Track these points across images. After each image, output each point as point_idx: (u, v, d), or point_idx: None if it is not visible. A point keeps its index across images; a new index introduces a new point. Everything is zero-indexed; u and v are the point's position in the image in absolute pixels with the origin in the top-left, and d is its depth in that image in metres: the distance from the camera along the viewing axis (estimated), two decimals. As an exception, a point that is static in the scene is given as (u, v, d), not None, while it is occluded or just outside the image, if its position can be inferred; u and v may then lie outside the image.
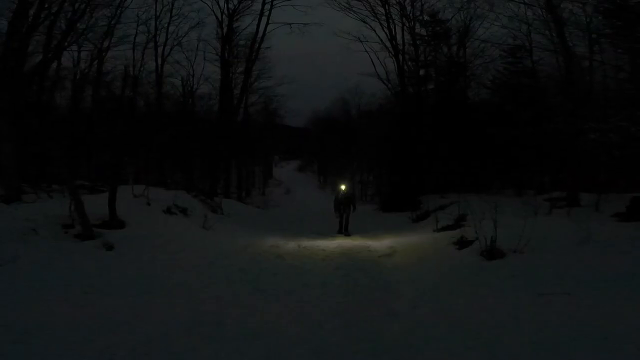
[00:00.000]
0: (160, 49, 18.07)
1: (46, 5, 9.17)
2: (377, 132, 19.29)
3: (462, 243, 7.03)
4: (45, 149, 6.19)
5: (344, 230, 10.04)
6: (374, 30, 16.77)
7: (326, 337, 3.30)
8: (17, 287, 4.08)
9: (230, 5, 17.65)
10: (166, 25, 17.99)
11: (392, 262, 6.64)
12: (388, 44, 16.53)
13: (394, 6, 16.28)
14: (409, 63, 16.57)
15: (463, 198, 9.23)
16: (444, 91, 16.01)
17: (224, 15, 17.61)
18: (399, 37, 16.38)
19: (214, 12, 17.74)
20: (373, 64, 18.04)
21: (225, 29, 17.67)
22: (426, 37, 16.20)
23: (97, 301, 4.00)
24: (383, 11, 16.27)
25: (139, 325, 3.44)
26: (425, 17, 16.24)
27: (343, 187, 10.55)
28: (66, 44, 13.21)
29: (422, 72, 16.43)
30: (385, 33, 16.53)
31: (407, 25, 16.35)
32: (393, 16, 16.32)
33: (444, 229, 8.68)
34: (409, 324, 3.59)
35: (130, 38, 17.30)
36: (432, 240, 7.96)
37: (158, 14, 17.71)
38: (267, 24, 17.49)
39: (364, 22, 16.87)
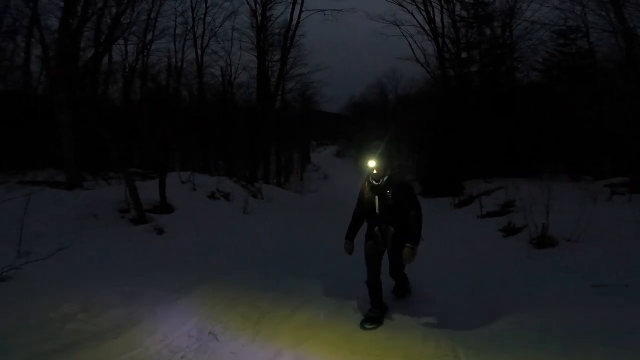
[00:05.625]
0: (198, 40, 18.57)
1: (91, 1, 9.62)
2: (417, 115, 18.81)
3: (509, 230, 6.79)
4: (101, 139, 6.58)
5: (392, 289, 3.86)
6: (411, 14, 16.43)
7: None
8: (80, 269, 4.41)
9: (263, -6, 17.63)
10: (202, 16, 18.41)
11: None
12: (426, 27, 16.16)
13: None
14: (450, 46, 16.03)
15: (511, 183, 8.79)
16: (488, 74, 15.27)
17: (257, 5, 17.67)
18: (437, 19, 15.98)
19: (247, 1, 17.81)
20: (411, 47, 18.04)
21: (259, 18, 17.74)
22: (468, 19, 15.50)
23: (149, 283, 4.22)
24: (421, -7, 15.76)
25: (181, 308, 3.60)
26: (467, -1, 15.48)
27: (372, 163, 3.43)
28: (113, 38, 13.96)
29: (464, 54, 15.85)
30: (423, 16, 16.16)
31: (447, 7, 15.81)
32: (431, -2, 15.76)
33: (488, 215, 8.37)
34: (446, 313, 3.45)
35: (170, 30, 17.94)
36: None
37: (194, 5, 18.15)
38: (301, 11, 17.36)
39: (400, 5, 16.49)
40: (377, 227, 3.44)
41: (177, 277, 4.35)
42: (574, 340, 2.71)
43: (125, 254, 5.20)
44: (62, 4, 9.26)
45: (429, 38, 16.20)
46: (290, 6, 17.23)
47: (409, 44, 17.76)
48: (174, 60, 18.29)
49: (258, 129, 16.91)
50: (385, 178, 3.41)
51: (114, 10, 13.18)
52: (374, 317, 3.32)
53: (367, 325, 3.25)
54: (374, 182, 3.46)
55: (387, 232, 3.40)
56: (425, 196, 13.97)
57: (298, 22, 17.59)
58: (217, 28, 18.92)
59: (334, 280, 4.20)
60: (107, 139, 6.45)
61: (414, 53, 17.30)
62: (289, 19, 17.33)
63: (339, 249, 3.68)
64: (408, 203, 3.39)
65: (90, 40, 13.66)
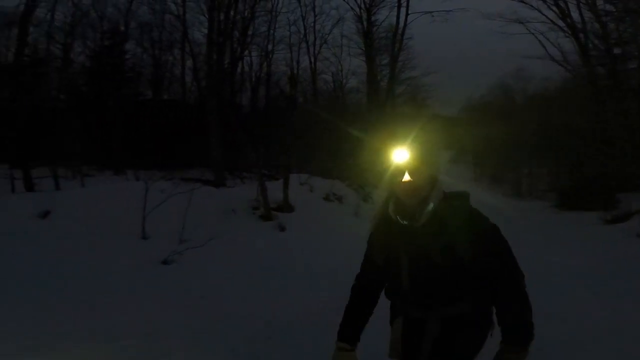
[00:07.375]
0: (311, 49, 19.62)
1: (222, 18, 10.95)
2: (555, 117, 16.57)
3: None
4: (240, 142, 7.48)
5: None
6: (538, 10, 14.85)
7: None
8: (222, 258, 5.12)
9: (367, -1, 17.50)
10: (312, 24, 19.37)
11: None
12: (560, 23, 14.50)
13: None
14: (595, 42, 14.00)
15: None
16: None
17: (362, 10, 17.73)
18: (574, 14, 14.21)
19: (351, 7, 18.02)
20: (542, 45, 16.05)
21: (365, 24, 17.80)
22: (616, 13, 13.12)
23: (271, 276, 4.69)
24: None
25: (296, 300, 3.82)
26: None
27: (401, 155, 1.42)
28: (242, 48, 15.75)
29: (617, 50, 13.46)
30: (554, 11, 14.50)
31: (585, 1, 13.81)
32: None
33: (657, 235, 6.82)
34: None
35: (286, 40, 19.39)
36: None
37: (304, 14, 19.17)
38: (407, 14, 16.80)
39: (523, 2, 15.00)
40: (401, 318, 1.49)
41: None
42: None
43: (254, 247, 5.81)
44: (203, 18, 10.81)
45: (566, 35, 14.56)
46: (396, 10, 16.88)
47: (539, 41, 15.85)
48: (290, 68, 19.73)
49: (370, 133, 16.98)
50: (430, 206, 1.40)
51: (239, 23, 14.89)
52: None
53: None
54: (398, 218, 1.43)
55: (424, 333, 1.41)
56: (562, 208, 12.20)
57: (405, 25, 17.11)
58: (327, 35, 19.80)
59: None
60: (246, 142, 7.28)
61: (546, 51, 15.61)
62: (395, 22, 17.02)
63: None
64: (493, 268, 1.34)
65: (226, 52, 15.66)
